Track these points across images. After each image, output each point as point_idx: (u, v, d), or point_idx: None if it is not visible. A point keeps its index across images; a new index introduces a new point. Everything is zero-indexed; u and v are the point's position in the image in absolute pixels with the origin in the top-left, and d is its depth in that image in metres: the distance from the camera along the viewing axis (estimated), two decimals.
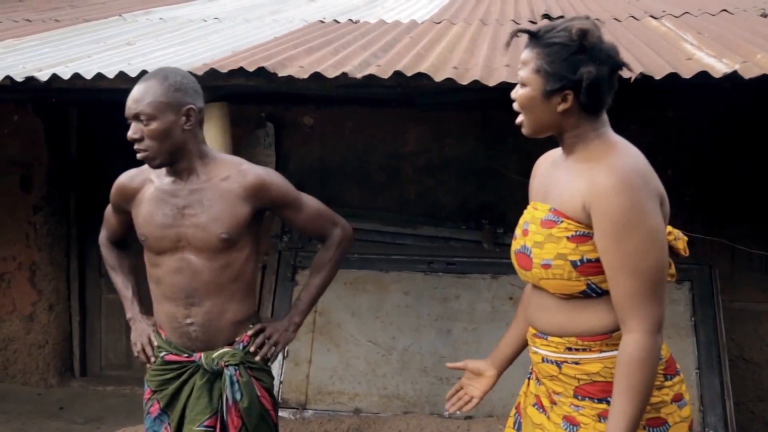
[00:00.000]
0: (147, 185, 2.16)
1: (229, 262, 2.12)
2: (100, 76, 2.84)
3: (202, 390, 2.10)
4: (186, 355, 2.13)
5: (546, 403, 1.74)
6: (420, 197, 4.40)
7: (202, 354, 2.11)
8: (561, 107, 1.60)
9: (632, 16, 4.13)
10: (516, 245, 1.75)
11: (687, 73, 2.53)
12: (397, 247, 4.25)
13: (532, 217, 1.71)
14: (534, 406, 1.78)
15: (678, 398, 1.66)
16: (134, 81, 2.83)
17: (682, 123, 4.09)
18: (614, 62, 1.61)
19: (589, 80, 1.55)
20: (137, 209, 2.17)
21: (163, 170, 2.12)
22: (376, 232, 4.27)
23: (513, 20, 4.12)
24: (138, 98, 2.02)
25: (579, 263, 1.59)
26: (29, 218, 4.76)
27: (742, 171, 4.04)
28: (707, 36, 3.34)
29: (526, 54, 1.63)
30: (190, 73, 2.37)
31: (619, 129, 1.72)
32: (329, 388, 3.91)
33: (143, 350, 2.25)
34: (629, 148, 1.64)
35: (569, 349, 1.66)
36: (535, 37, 1.62)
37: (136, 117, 2.01)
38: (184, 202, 2.08)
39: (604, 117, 1.66)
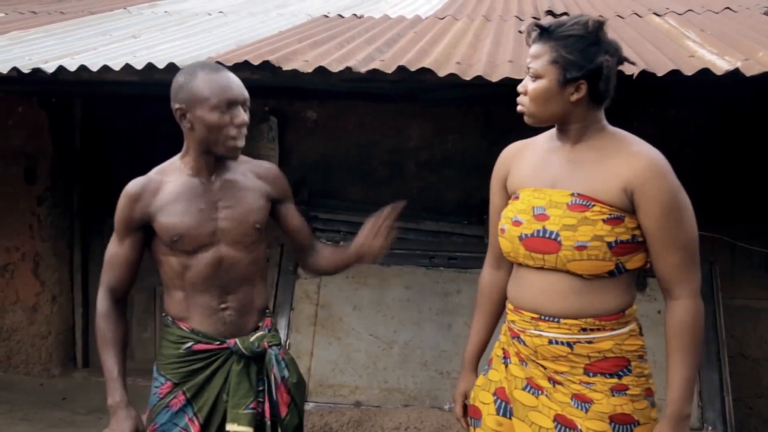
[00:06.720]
0: (164, 186, 2.08)
1: (258, 253, 2.17)
2: (106, 69, 2.86)
3: (242, 375, 2.10)
4: (217, 342, 2.11)
5: (544, 384, 1.75)
6: (422, 192, 4.41)
7: (237, 340, 2.11)
8: (574, 97, 1.68)
9: (635, 13, 4.13)
10: (525, 230, 1.75)
11: (689, 70, 2.54)
12: (399, 241, 4.20)
13: (548, 201, 1.73)
14: (525, 389, 1.79)
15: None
16: (140, 73, 2.87)
17: (684, 121, 4.09)
18: (620, 56, 1.72)
19: (608, 68, 1.66)
20: (161, 213, 2.06)
21: (180, 169, 2.10)
22: None
23: (516, 16, 4.12)
24: (243, 86, 2.06)
25: (614, 244, 1.67)
26: (33, 209, 4.77)
27: (743, 169, 4.05)
28: (710, 33, 3.35)
29: (539, 48, 1.71)
30: None
31: (621, 126, 1.75)
32: (330, 380, 3.94)
33: None
34: (640, 139, 1.75)
35: (584, 329, 1.70)
36: (547, 32, 1.71)
37: (245, 103, 2.06)
38: (218, 197, 2.10)
39: (602, 111, 1.76)
